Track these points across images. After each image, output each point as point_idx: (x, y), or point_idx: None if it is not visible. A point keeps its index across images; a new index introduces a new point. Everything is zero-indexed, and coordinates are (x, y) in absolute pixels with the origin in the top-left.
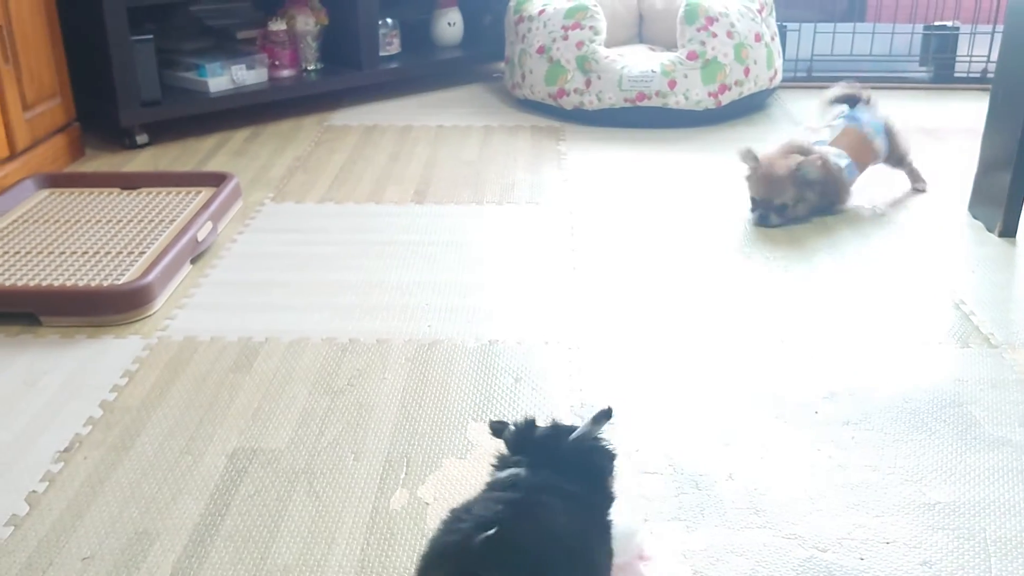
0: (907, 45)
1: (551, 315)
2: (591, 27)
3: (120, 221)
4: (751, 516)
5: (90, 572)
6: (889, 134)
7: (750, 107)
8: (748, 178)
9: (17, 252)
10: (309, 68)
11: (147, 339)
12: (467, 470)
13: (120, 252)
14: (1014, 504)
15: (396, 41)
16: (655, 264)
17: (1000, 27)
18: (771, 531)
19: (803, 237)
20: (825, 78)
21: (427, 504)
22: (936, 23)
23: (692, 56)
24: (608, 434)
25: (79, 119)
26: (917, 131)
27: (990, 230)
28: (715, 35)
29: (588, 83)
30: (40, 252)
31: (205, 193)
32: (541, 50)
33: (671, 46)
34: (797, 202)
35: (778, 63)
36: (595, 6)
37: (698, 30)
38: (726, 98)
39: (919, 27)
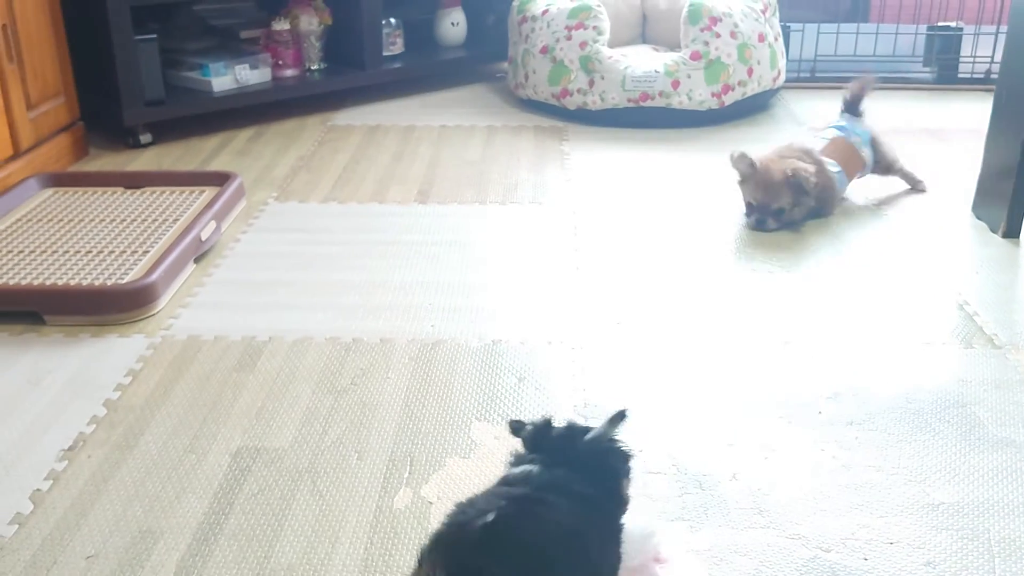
0: (911, 46)
1: (554, 315)
2: (594, 27)
3: (124, 220)
4: (755, 516)
5: (94, 570)
6: (875, 144)
7: (753, 107)
8: (743, 182)
9: (21, 251)
10: (313, 68)
11: (151, 338)
12: (471, 469)
13: (124, 251)
14: (1018, 505)
15: (399, 41)
16: (658, 264)
17: (1004, 28)
18: (775, 531)
19: (807, 238)
20: (828, 78)
21: (431, 503)
22: (940, 24)
23: (695, 56)
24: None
25: (83, 118)
26: (921, 132)
27: (994, 231)
28: (719, 35)
29: (591, 83)
30: (44, 251)
31: (209, 192)
32: (544, 50)
33: (674, 46)
34: (793, 207)
35: (781, 63)
36: (598, 6)
37: (702, 30)
38: (729, 98)
39: (923, 28)
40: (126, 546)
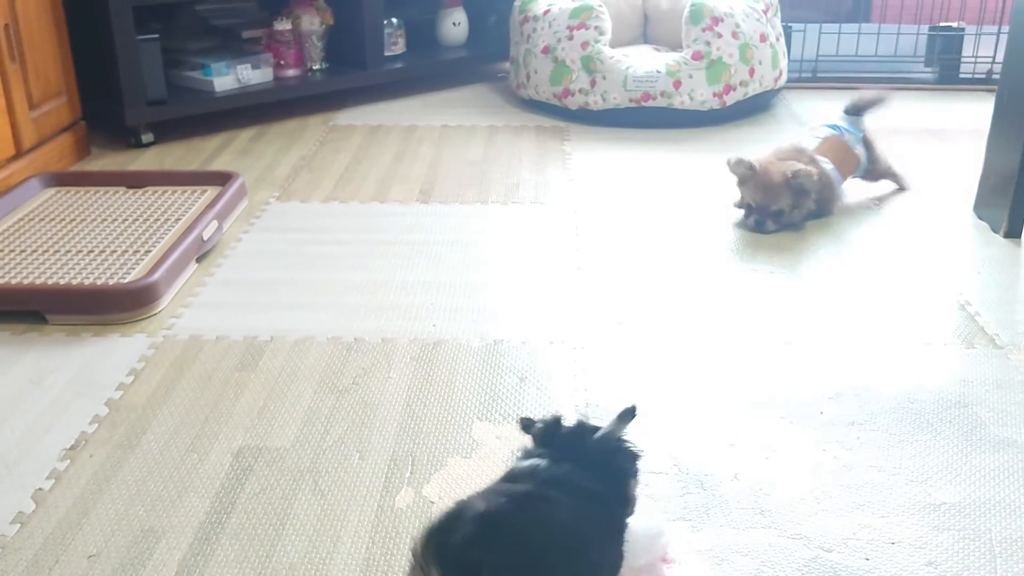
0: (912, 46)
1: (556, 315)
2: (596, 27)
3: (126, 220)
4: (756, 516)
5: (96, 570)
6: (867, 144)
7: (755, 108)
8: (742, 184)
9: (23, 250)
10: (314, 68)
11: (153, 338)
12: (472, 469)
13: (126, 251)
14: (1019, 505)
15: (401, 41)
16: (660, 264)
17: (1005, 28)
18: (776, 531)
19: (808, 238)
20: (830, 79)
21: (432, 503)
22: (941, 24)
23: (697, 56)
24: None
25: (85, 118)
26: (922, 132)
27: (995, 231)
28: (720, 35)
29: (593, 83)
30: (46, 250)
31: (210, 192)
32: (546, 50)
33: (676, 46)
34: (793, 209)
35: (783, 63)
36: (600, 6)
37: (703, 30)
38: (731, 98)
39: (924, 28)
40: (128, 545)
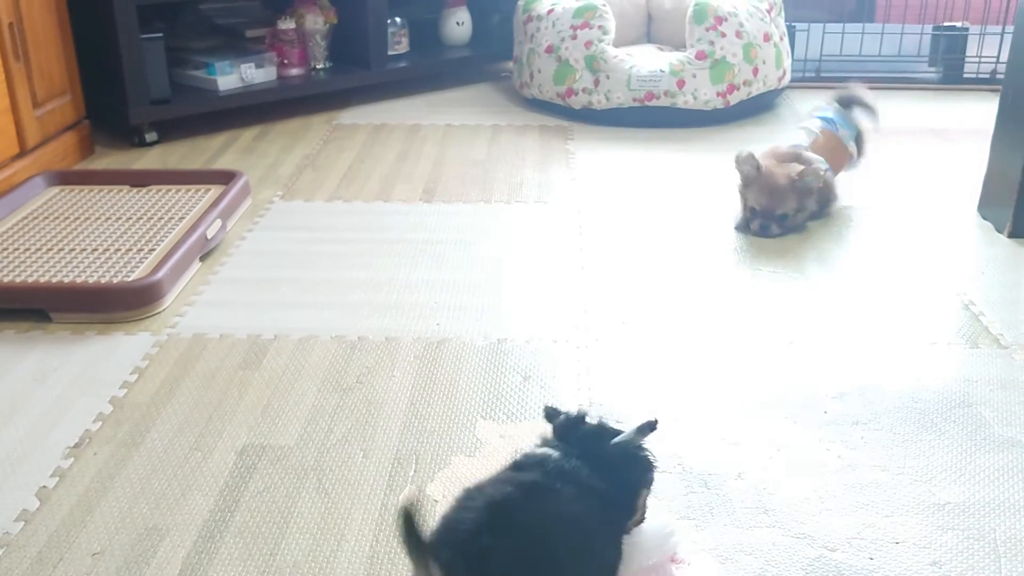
0: (916, 46)
1: (560, 314)
2: (600, 26)
3: (130, 218)
4: (760, 515)
5: (100, 567)
6: (859, 139)
7: (759, 107)
8: (745, 188)
9: (27, 249)
10: (318, 67)
11: (157, 336)
12: (476, 468)
13: (130, 249)
14: None
15: (405, 40)
16: (663, 264)
17: (1010, 28)
18: (780, 530)
19: (811, 238)
20: (834, 78)
21: (436, 501)
22: (945, 24)
23: (701, 56)
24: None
25: (89, 117)
26: (926, 132)
27: (999, 231)
28: (724, 35)
29: (597, 82)
30: (50, 249)
31: (214, 191)
32: (550, 49)
33: (680, 46)
34: (797, 212)
35: (787, 63)
36: (604, 5)
37: (707, 30)
38: (735, 98)
39: (928, 28)
40: (132, 543)
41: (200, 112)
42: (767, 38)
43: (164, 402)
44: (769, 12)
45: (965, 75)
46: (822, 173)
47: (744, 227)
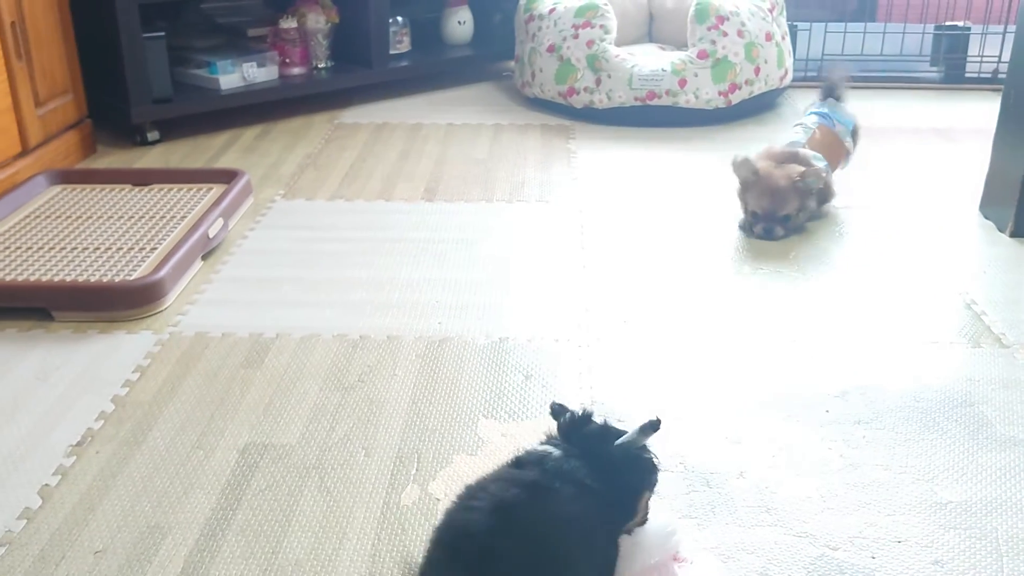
0: (918, 45)
1: (561, 313)
2: (601, 26)
3: (132, 217)
4: (762, 514)
5: (102, 565)
6: (855, 135)
7: (760, 106)
8: (744, 192)
9: (29, 247)
10: (320, 66)
11: (159, 335)
12: (477, 466)
13: (132, 248)
14: None
15: (406, 39)
16: (665, 263)
17: (1012, 27)
18: (782, 529)
19: (814, 237)
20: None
21: (438, 500)
22: (947, 23)
23: (702, 55)
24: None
25: (91, 116)
26: (928, 131)
27: (1001, 230)
28: (726, 34)
29: (598, 82)
30: (52, 248)
31: (216, 190)
32: (551, 48)
33: (681, 45)
34: (799, 212)
35: (789, 62)
36: (605, 5)
37: (709, 29)
38: (736, 97)
39: (930, 27)
40: (134, 541)
41: (202, 111)
42: (769, 37)
43: (166, 401)
44: (771, 11)
45: (967, 75)
46: (823, 174)
47: (748, 230)
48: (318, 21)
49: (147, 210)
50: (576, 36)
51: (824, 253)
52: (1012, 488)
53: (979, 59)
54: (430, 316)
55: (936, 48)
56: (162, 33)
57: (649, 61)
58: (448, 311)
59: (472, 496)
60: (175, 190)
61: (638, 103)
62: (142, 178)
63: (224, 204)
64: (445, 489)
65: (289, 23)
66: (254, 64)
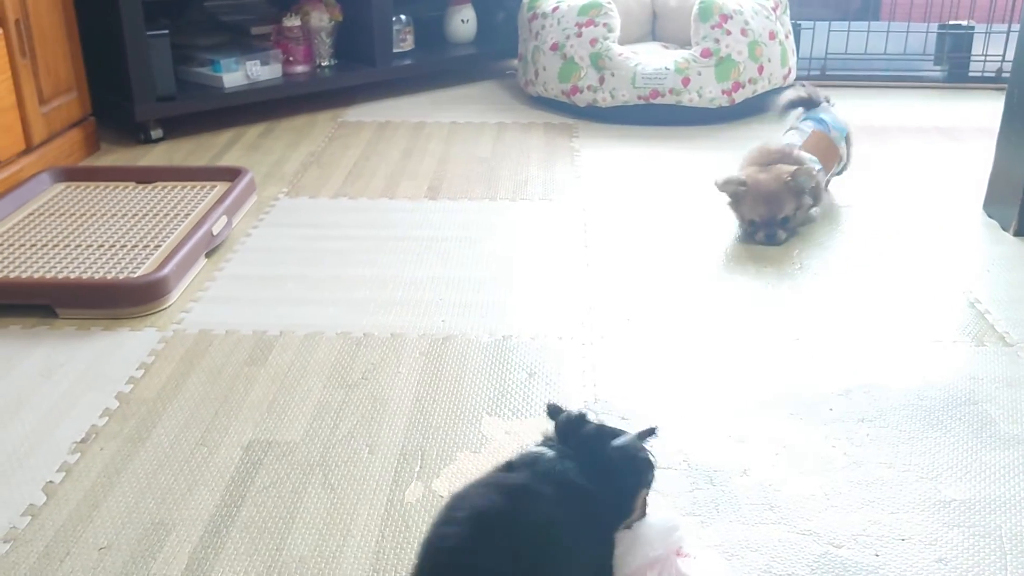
0: (921, 44)
1: (565, 311)
2: (605, 24)
3: (135, 215)
4: (766, 512)
5: (107, 562)
6: (848, 140)
7: (764, 105)
8: (738, 204)
9: (33, 245)
10: (323, 64)
11: (163, 332)
12: (481, 464)
13: (136, 245)
14: None
15: (410, 38)
16: (668, 261)
17: (1016, 26)
18: (786, 527)
19: (817, 235)
20: (839, 76)
21: (441, 497)
22: (951, 22)
23: (706, 54)
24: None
25: (95, 113)
26: (932, 130)
27: (1005, 229)
28: (729, 33)
29: (601, 80)
30: (56, 245)
31: (220, 187)
32: (555, 47)
33: (685, 43)
34: (796, 211)
35: (792, 61)
36: (609, 3)
37: (712, 28)
38: (740, 96)
39: (934, 26)
40: (138, 538)
41: (205, 109)
42: (772, 36)
43: (170, 398)
44: (774, 10)
45: (971, 73)
46: (814, 171)
47: (748, 239)
48: (322, 19)
49: (151, 208)
50: (579, 34)
51: (828, 251)
52: (1016, 486)
53: (983, 58)
54: (434, 314)
55: (940, 47)
56: (166, 31)
57: (652, 59)
58: (451, 309)
59: (452, 507)
60: (179, 188)
61: (641, 102)
62: (146, 176)
63: (228, 202)
64: (449, 486)
65: (293, 21)
66: (258, 62)
